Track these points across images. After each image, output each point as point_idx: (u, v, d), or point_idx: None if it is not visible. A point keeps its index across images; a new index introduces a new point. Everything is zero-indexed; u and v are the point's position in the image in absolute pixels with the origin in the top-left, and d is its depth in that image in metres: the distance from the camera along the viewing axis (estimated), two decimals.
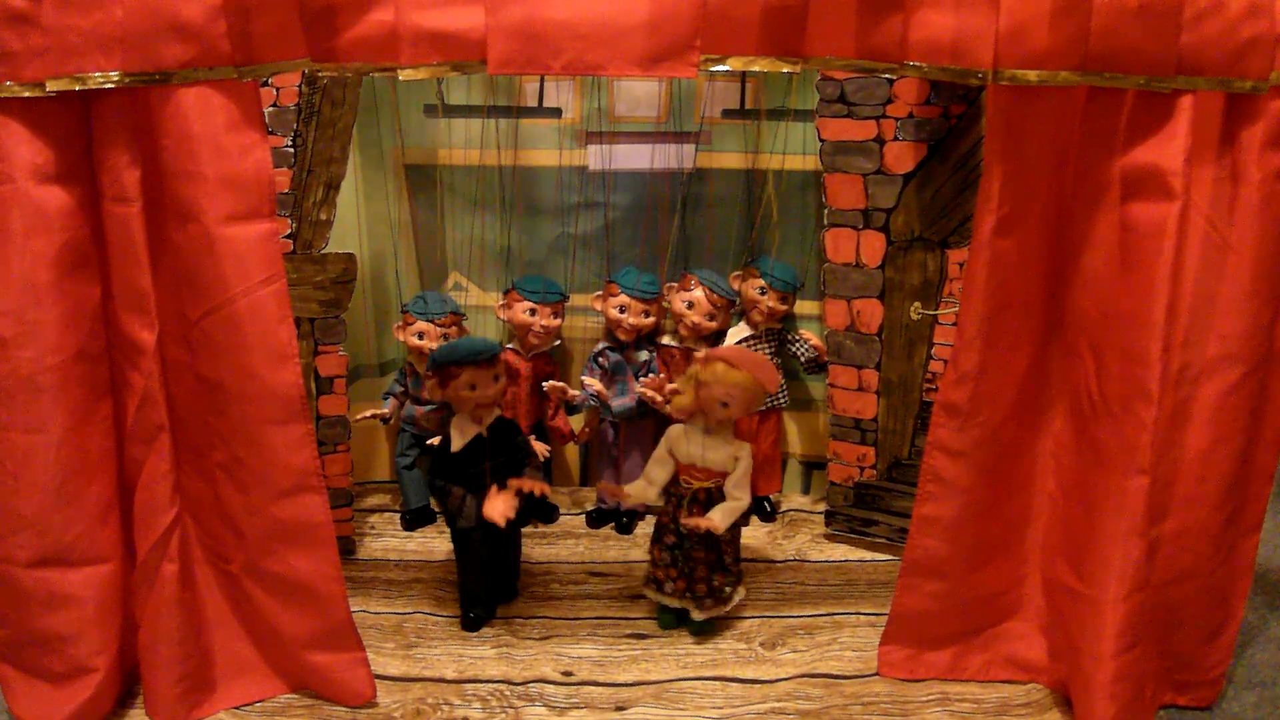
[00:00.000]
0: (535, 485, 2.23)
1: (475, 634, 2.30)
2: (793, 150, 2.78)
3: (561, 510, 2.91)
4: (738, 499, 2.23)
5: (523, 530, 2.49)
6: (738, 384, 2.14)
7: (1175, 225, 1.71)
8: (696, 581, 2.26)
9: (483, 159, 2.80)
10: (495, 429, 2.30)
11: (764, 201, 2.83)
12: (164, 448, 1.87)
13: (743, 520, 2.30)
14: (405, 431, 2.86)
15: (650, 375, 2.77)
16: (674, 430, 2.27)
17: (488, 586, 2.38)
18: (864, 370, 2.63)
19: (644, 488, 2.30)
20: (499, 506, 2.17)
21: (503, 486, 2.22)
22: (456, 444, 2.27)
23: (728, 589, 2.29)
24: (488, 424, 2.29)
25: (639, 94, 2.79)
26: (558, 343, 2.89)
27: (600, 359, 2.81)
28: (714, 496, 2.25)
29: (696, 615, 2.28)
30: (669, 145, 2.81)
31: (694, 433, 2.24)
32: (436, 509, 2.86)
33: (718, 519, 2.19)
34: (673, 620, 2.33)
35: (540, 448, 2.57)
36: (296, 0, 1.63)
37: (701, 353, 2.32)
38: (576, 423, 2.94)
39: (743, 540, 2.36)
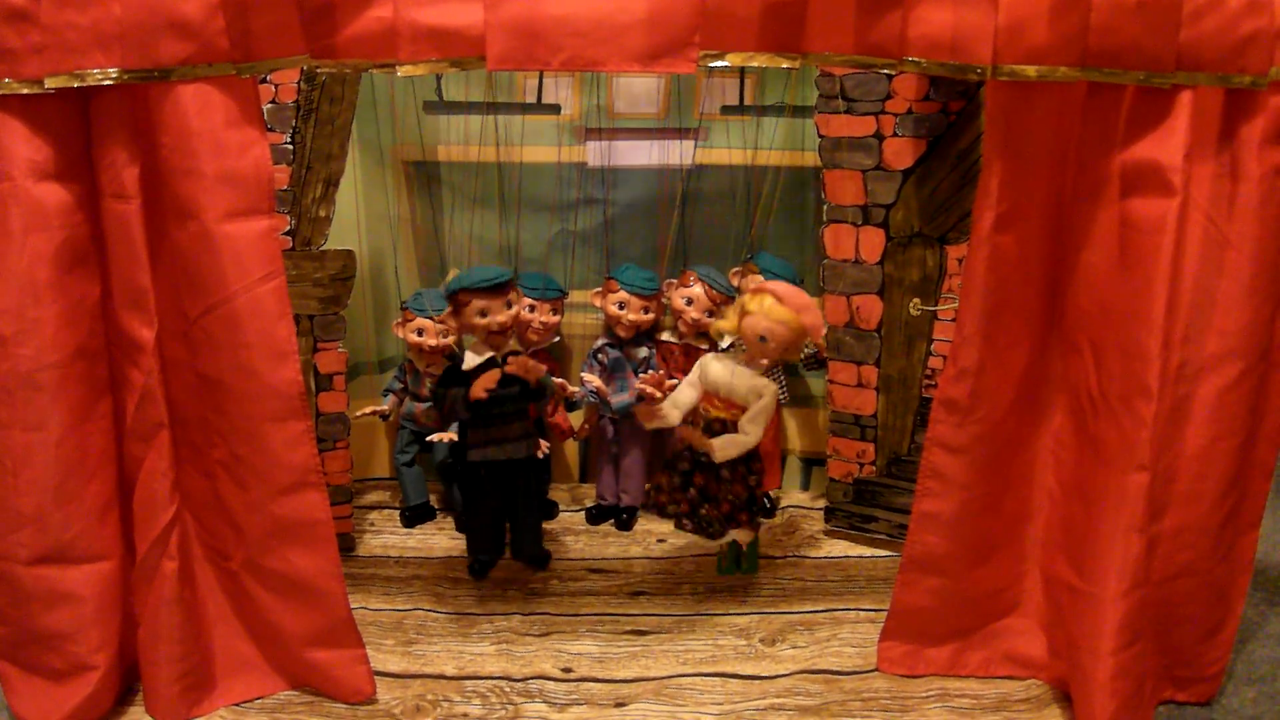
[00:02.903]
0: (527, 367, 2.25)
1: (475, 630, 2.30)
2: (792, 146, 2.78)
3: (561, 506, 2.91)
4: (746, 433, 2.23)
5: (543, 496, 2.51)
6: (782, 321, 2.14)
7: (1175, 221, 1.71)
8: (701, 506, 2.28)
9: (481, 155, 2.80)
10: (509, 355, 2.31)
11: (763, 198, 2.83)
12: (163, 445, 1.87)
13: (753, 471, 2.31)
14: (405, 428, 2.86)
15: (650, 371, 2.77)
16: (709, 357, 2.28)
17: (494, 531, 2.38)
18: (863, 366, 2.63)
19: (669, 409, 2.28)
20: (480, 382, 2.20)
21: (513, 419, 2.26)
22: (469, 363, 2.29)
23: (743, 514, 2.31)
24: (504, 353, 2.30)
25: (638, 90, 2.79)
26: (557, 339, 2.89)
27: (599, 355, 2.81)
28: (728, 428, 2.25)
29: (739, 536, 2.35)
30: (668, 141, 2.81)
31: (727, 360, 2.24)
32: (437, 505, 2.87)
33: (718, 444, 2.20)
34: (732, 564, 2.45)
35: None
36: None
37: (754, 282, 2.34)
38: (576, 419, 2.94)
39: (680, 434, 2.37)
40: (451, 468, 2.79)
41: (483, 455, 2.34)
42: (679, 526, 2.34)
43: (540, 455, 2.45)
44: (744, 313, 2.19)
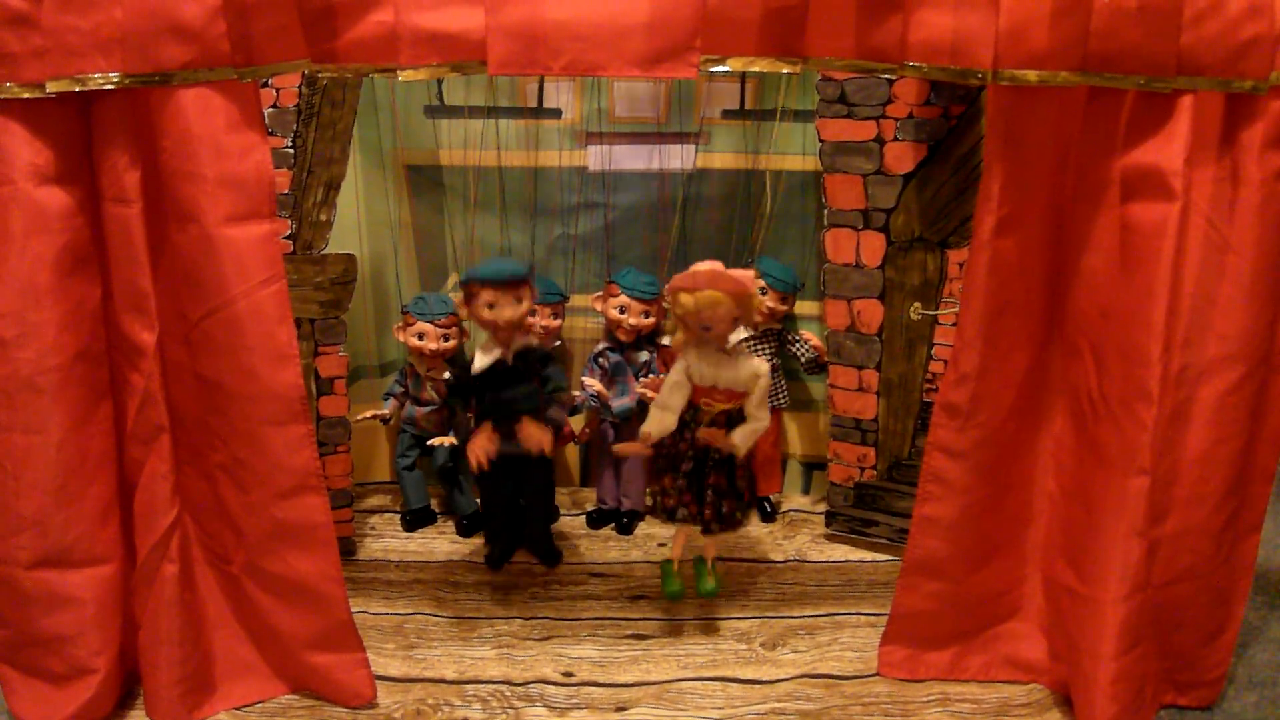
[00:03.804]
0: (537, 437, 2.22)
1: (476, 634, 2.30)
2: (793, 151, 2.78)
3: (562, 511, 2.91)
4: (759, 419, 2.19)
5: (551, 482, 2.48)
6: (707, 303, 2.08)
7: (1175, 225, 1.71)
8: (707, 505, 2.23)
9: (482, 160, 2.81)
10: (522, 356, 2.28)
11: (763, 202, 2.83)
12: (164, 448, 1.87)
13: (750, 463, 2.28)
14: (405, 432, 2.86)
15: (650, 375, 2.77)
16: (690, 353, 2.19)
17: (510, 521, 2.36)
18: (864, 371, 2.63)
19: (661, 417, 2.22)
20: (477, 444, 2.18)
21: (518, 418, 2.23)
22: (478, 364, 2.27)
23: (738, 513, 2.27)
24: (514, 349, 2.27)
25: (639, 95, 2.79)
26: (558, 343, 2.89)
27: (600, 359, 2.81)
28: (733, 419, 2.21)
29: (705, 538, 2.27)
30: (669, 146, 2.81)
31: (707, 354, 2.17)
32: (437, 509, 2.87)
33: (739, 440, 2.17)
34: (679, 588, 2.31)
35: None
36: (296, 1, 1.64)
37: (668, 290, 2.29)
38: (576, 423, 2.93)
39: (744, 540, 2.35)
40: (452, 471, 2.79)
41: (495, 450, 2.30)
42: (700, 527, 2.27)
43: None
44: (678, 317, 2.16)
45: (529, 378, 2.28)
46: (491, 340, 2.29)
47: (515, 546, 2.38)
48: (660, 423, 2.21)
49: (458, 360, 2.46)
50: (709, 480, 2.23)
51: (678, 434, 2.23)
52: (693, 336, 2.16)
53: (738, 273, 2.11)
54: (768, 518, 2.88)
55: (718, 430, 2.16)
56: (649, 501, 2.30)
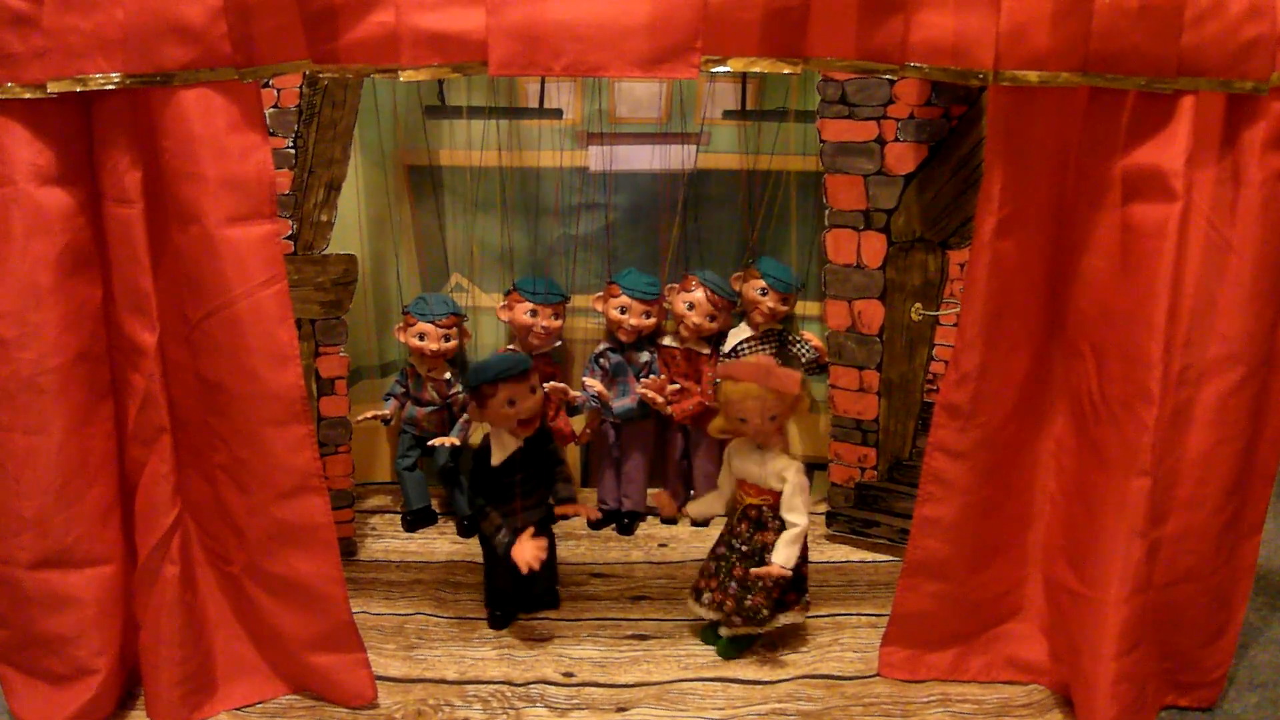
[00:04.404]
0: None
1: (476, 634, 2.30)
2: (793, 151, 2.78)
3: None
4: (794, 524, 2.16)
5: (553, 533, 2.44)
6: (746, 396, 2.10)
7: (1176, 226, 1.71)
8: (729, 597, 2.21)
9: (483, 160, 2.81)
10: (529, 440, 2.28)
11: (764, 202, 2.83)
12: (165, 449, 1.87)
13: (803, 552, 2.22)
14: (406, 433, 2.86)
15: (651, 376, 2.77)
16: (733, 444, 2.25)
17: (515, 588, 2.35)
18: (865, 371, 2.63)
19: (713, 499, 2.32)
20: (528, 552, 2.16)
21: (532, 495, 2.25)
22: (496, 458, 2.25)
23: (764, 611, 2.19)
24: (527, 435, 2.26)
25: (640, 95, 2.79)
26: (559, 344, 2.89)
27: (601, 360, 2.81)
28: (764, 515, 2.19)
29: (724, 631, 2.25)
30: (670, 146, 2.81)
31: (745, 447, 2.21)
32: (438, 509, 2.87)
33: (781, 559, 2.14)
34: (714, 638, 2.28)
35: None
36: (297, 2, 1.64)
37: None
38: (577, 424, 2.94)
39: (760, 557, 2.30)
40: (453, 472, 2.79)
41: (506, 537, 2.25)
42: (720, 617, 2.25)
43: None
44: (721, 404, 2.19)
45: (534, 459, 2.29)
46: (504, 433, 2.25)
47: (520, 609, 2.39)
48: (709, 505, 2.32)
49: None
50: (735, 572, 2.21)
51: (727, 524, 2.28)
52: (730, 426, 2.19)
53: (785, 372, 2.13)
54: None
55: (768, 569, 2.14)
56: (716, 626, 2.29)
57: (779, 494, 2.18)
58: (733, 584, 2.21)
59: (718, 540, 2.28)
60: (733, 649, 2.24)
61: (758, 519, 2.20)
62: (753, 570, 2.17)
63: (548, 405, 2.79)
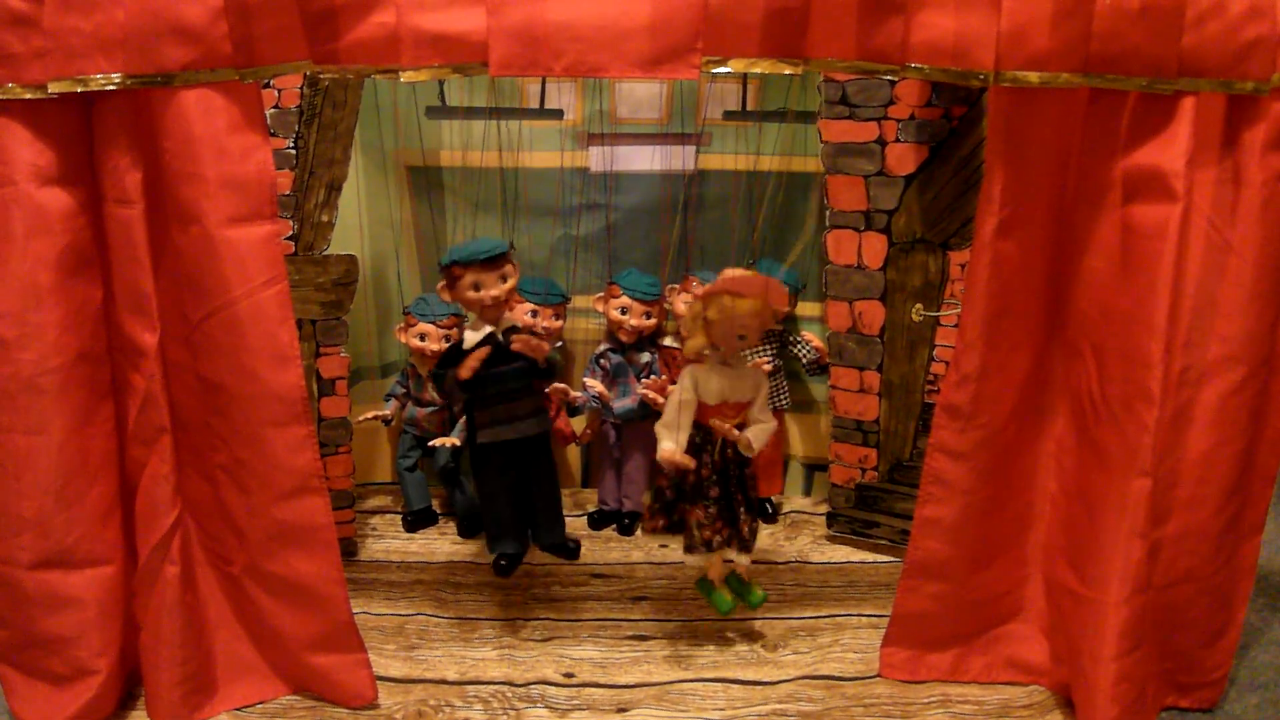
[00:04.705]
0: (531, 345, 2.20)
1: (477, 635, 2.30)
2: (794, 151, 2.78)
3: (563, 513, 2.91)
4: (766, 420, 2.19)
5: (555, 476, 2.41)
6: (750, 311, 2.07)
7: (1177, 227, 1.71)
8: (741, 524, 2.20)
9: (484, 161, 2.81)
10: (512, 334, 2.26)
11: (765, 203, 2.83)
12: (165, 449, 1.87)
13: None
14: (407, 433, 2.86)
15: (652, 377, 2.77)
16: (695, 371, 2.14)
17: (515, 519, 2.32)
18: (866, 372, 2.63)
19: (675, 438, 2.15)
20: (467, 362, 2.17)
21: (521, 396, 2.23)
22: (469, 341, 2.25)
23: (757, 528, 2.24)
24: (504, 328, 2.26)
25: (641, 96, 2.79)
26: (560, 344, 2.89)
27: (602, 360, 2.81)
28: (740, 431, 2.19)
29: (742, 559, 2.23)
30: (670, 147, 2.81)
31: (716, 369, 2.14)
32: (438, 510, 2.87)
33: (755, 441, 2.16)
34: (732, 603, 2.26)
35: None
36: (297, 2, 1.64)
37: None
38: (578, 424, 2.94)
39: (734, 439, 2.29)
40: (454, 472, 2.79)
41: (493, 436, 2.27)
42: (738, 551, 2.24)
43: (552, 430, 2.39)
44: (708, 323, 2.11)
45: (519, 355, 2.23)
46: (479, 320, 2.27)
47: (524, 549, 2.33)
48: (677, 448, 2.16)
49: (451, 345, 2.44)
50: (738, 499, 2.21)
51: (696, 461, 2.17)
52: (723, 343, 2.12)
53: (776, 283, 2.13)
54: (769, 519, 2.88)
55: (726, 424, 2.13)
56: (685, 541, 2.22)
57: (748, 404, 2.17)
58: (742, 511, 2.21)
59: (697, 487, 2.20)
60: (756, 588, 2.27)
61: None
62: (714, 423, 2.15)
63: (548, 407, 2.79)
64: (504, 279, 2.23)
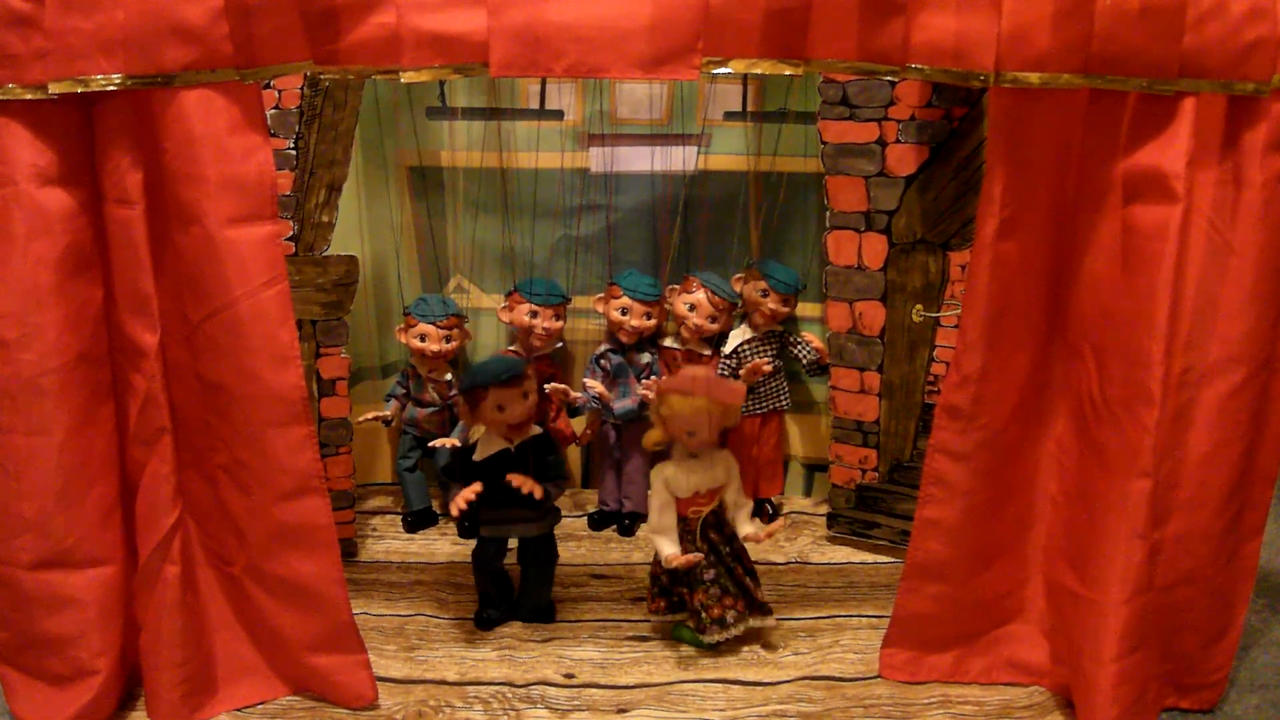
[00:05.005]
0: (526, 484, 2.18)
1: (477, 635, 2.30)
2: (795, 152, 2.78)
3: (563, 513, 2.90)
4: (743, 504, 2.25)
5: (555, 554, 2.43)
6: (698, 410, 2.11)
7: (1177, 228, 1.71)
8: (754, 593, 2.24)
9: (484, 161, 2.81)
10: (527, 446, 2.26)
11: (765, 204, 2.83)
12: (166, 450, 1.87)
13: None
14: (407, 434, 2.86)
15: (652, 377, 2.77)
16: (665, 470, 2.19)
17: (500, 592, 2.37)
18: (866, 373, 2.63)
19: (670, 541, 2.18)
20: (456, 502, 2.16)
21: (525, 503, 2.21)
22: (480, 453, 2.25)
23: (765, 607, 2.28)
24: (517, 443, 2.25)
25: (641, 96, 2.79)
26: (560, 345, 2.89)
27: (602, 361, 2.81)
28: (720, 512, 2.24)
29: (769, 622, 2.26)
30: (671, 147, 2.81)
31: (683, 462, 2.18)
32: (439, 510, 2.87)
33: (752, 530, 2.22)
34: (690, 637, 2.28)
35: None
36: (298, 3, 1.64)
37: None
38: (578, 425, 2.94)
39: (744, 541, 2.32)
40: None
41: (494, 532, 2.31)
42: (753, 618, 2.26)
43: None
44: (662, 419, 2.17)
45: (528, 466, 2.24)
46: (499, 435, 2.24)
47: (509, 614, 2.37)
48: (673, 543, 2.19)
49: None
50: (739, 571, 2.24)
51: (683, 550, 2.20)
52: (674, 440, 2.18)
53: (728, 383, 2.21)
54: (769, 520, 2.88)
55: (772, 528, 2.22)
56: (696, 624, 2.22)
57: (720, 489, 2.21)
58: (748, 580, 2.24)
59: (694, 572, 2.21)
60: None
61: (718, 521, 2.24)
62: (764, 531, 2.21)
63: (548, 408, 2.80)
64: (525, 396, 2.20)
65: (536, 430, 2.29)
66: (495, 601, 2.36)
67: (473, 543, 2.34)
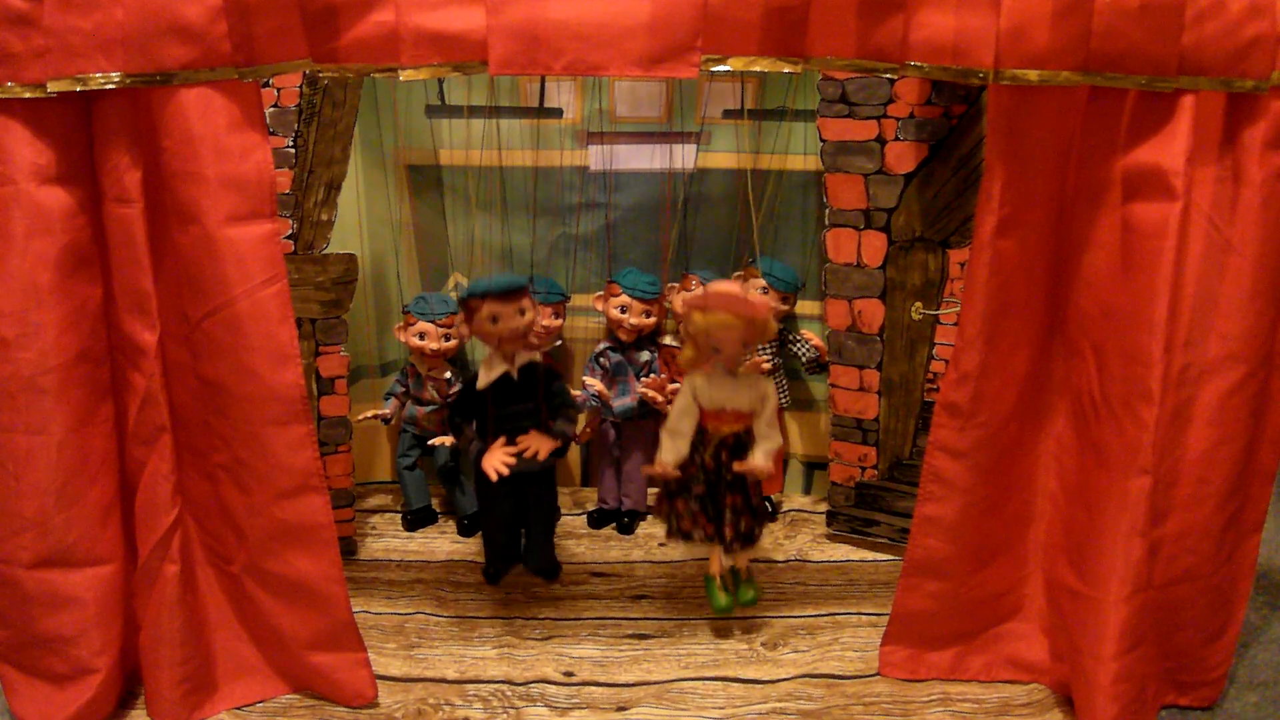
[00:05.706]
0: (541, 444, 2.19)
1: (476, 634, 2.30)
2: (794, 150, 2.78)
3: (563, 511, 2.91)
4: (771, 439, 2.20)
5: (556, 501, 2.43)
6: (719, 325, 2.08)
7: (1176, 225, 1.71)
8: (725, 525, 2.23)
9: (484, 159, 2.81)
10: (528, 372, 2.25)
11: (764, 201, 2.83)
12: (165, 449, 1.87)
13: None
14: (406, 432, 2.86)
15: (652, 375, 2.77)
16: (695, 378, 2.19)
17: (507, 541, 2.36)
18: (865, 370, 2.63)
19: (674, 444, 2.20)
20: (494, 459, 2.16)
21: (522, 433, 2.20)
22: (482, 380, 2.23)
23: (757, 530, 2.27)
24: (519, 364, 2.23)
25: (640, 94, 2.79)
26: (559, 343, 2.89)
27: (601, 359, 2.81)
28: (741, 440, 2.21)
29: (726, 561, 2.28)
30: (670, 145, 2.81)
31: (716, 377, 2.17)
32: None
33: (762, 462, 2.17)
34: (728, 603, 2.29)
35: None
36: (297, 1, 1.64)
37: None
38: (578, 423, 2.93)
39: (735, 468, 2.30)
40: (453, 471, 2.79)
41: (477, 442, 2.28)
42: (722, 547, 2.28)
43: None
44: (690, 337, 2.17)
45: (533, 394, 2.24)
46: (495, 356, 2.24)
47: (513, 562, 2.38)
48: (675, 450, 2.21)
49: (462, 374, 2.42)
50: (726, 500, 2.23)
51: (687, 458, 2.22)
52: (702, 356, 2.17)
53: (754, 297, 2.14)
54: (769, 517, 2.88)
55: (752, 464, 2.17)
56: (665, 527, 2.27)
57: (749, 414, 2.19)
58: (727, 512, 2.23)
59: (685, 480, 2.23)
60: (748, 588, 2.29)
61: (736, 445, 2.21)
62: (737, 466, 2.18)
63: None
64: (521, 312, 2.18)
65: (536, 356, 2.28)
66: (503, 553, 2.37)
67: (470, 542, 2.34)
